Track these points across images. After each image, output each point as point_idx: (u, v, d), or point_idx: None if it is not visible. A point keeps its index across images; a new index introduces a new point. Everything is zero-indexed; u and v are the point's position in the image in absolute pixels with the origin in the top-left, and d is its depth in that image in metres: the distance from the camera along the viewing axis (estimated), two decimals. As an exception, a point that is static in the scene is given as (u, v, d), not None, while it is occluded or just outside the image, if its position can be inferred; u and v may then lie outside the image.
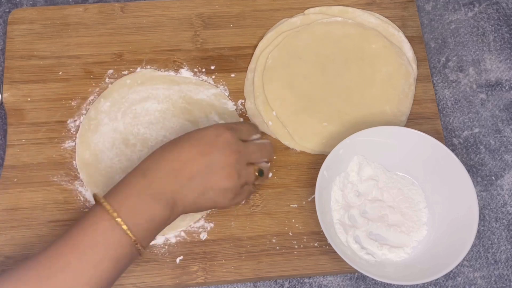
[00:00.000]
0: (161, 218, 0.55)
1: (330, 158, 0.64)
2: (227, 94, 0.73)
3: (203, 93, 0.72)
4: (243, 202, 0.66)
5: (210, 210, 0.67)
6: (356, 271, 0.64)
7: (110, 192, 0.55)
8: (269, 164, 0.65)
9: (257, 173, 0.61)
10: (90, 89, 0.72)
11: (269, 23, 0.77)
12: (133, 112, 0.71)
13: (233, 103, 0.72)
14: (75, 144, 0.69)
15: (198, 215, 0.66)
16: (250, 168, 0.61)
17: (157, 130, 0.70)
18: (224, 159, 0.57)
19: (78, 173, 0.68)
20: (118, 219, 0.52)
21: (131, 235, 0.52)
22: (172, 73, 0.73)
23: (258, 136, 0.64)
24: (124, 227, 0.52)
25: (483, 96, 0.76)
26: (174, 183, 0.55)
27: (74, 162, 0.68)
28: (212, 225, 0.66)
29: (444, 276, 0.66)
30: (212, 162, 0.57)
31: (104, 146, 0.69)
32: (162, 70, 0.74)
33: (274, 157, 0.69)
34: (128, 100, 0.71)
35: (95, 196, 0.55)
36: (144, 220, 0.53)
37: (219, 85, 0.73)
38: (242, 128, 0.62)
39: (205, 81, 0.73)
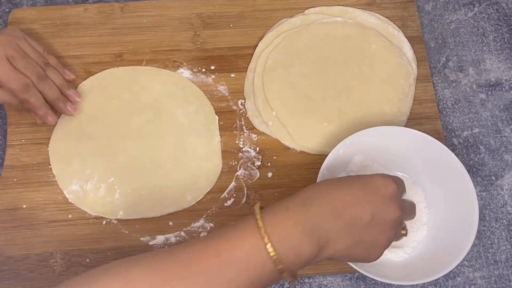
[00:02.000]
0: (308, 255, 0.49)
1: (330, 158, 0.64)
2: (227, 94, 0.73)
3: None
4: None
5: (210, 211, 0.67)
6: (356, 271, 0.64)
7: (267, 211, 0.50)
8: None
9: (403, 232, 0.59)
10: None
11: (269, 23, 0.77)
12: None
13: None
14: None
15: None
16: (399, 227, 0.56)
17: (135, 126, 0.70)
18: (389, 214, 0.52)
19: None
20: (268, 245, 0.47)
21: (277, 262, 0.48)
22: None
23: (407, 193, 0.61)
24: (272, 253, 0.47)
25: (483, 96, 0.76)
26: (332, 223, 0.50)
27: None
28: (212, 225, 0.66)
29: (444, 276, 0.66)
30: (376, 212, 0.51)
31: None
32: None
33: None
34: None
35: (256, 208, 0.51)
36: (293, 251, 0.48)
37: (219, 85, 0.73)
38: (400, 183, 0.58)
39: (205, 81, 0.74)
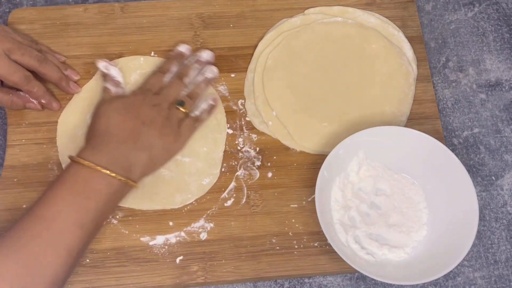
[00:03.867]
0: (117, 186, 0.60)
1: (330, 158, 0.64)
2: (227, 94, 0.73)
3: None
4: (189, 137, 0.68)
5: (210, 211, 0.67)
6: (356, 271, 0.64)
7: (82, 156, 0.60)
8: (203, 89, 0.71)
9: (177, 106, 0.66)
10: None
11: (269, 23, 0.77)
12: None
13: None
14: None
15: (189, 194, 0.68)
16: (173, 107, 0.66)
17: None
18: (150, 115, 0.63)
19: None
20: (99, 167, 0.58)
21: (115, 175, 0.59)
22: None
23: (165, 77, 0.69)
24: (106, 171, 0.58)
25: (483, 96, 0.76)
26: (125, 151, 0.61)
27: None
28: (212, 225, 0.66)
29: (444, 276, 0.66)
30: (142, 121, 0.62)
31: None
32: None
33: (211, 76, 0.71)
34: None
35: (71, 157, 0.60)
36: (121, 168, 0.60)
37: (219, 85, 0.73)
38: (150, 81, 0.69)
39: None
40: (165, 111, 0.65)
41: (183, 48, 0.72)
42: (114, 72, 0.70)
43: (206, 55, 0.72)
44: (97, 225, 0.58)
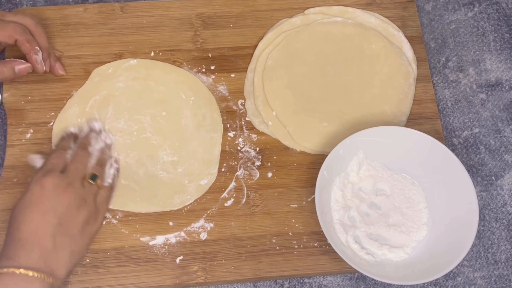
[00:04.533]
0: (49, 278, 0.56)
1: (330, 158, 0.64)
2: (227, 94, 0.73)
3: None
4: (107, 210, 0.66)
5: (210, 211, 0.67)
6: (356, 271, 0.64)
7: None
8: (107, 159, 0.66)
9: (90, 180, 0.62)
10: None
11: (269, 23, 0.77)
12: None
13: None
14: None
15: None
16: (85, 183, 0.62)
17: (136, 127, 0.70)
18: (64, 201, 0.59)
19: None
20: (19, 270, 0.54)
21: (37, 274, 0.55)
22: None
23: (68, 154, 0.64)
24: (27, 272, 0.54)
25: (483, 96, 0.76)
26: (37, 258, 0.56)
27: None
28: (212, 225, 0.66)
29: (444, 276, 0.66)
30: (57, 211, 0.58)
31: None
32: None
33: (109, 142, 0.69)
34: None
35: None
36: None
37: (219, 85, 0.73)
38: (52, 161, 0.62)
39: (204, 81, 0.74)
40: (77, 192, 0.60)
41: (73, 129, 0.68)
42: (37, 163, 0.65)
43: (97, 124, 0.69)
44: None
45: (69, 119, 0.70)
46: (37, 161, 0.65)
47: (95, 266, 0.64)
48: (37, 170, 0.62)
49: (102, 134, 0.68)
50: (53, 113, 0.70)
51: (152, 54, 0.74)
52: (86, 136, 0.67)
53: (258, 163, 0.70)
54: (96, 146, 0.66)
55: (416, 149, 0.66)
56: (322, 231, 0.61)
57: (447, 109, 0.75)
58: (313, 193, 0.64)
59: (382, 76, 0.74)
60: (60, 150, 0.64)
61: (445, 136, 0.73)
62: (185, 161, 0.69)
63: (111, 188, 0.65)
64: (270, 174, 0.69)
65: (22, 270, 0.54)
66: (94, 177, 0.63)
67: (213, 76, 0.74)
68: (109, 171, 0.66)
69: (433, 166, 0.66)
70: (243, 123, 0.72)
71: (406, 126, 0.72)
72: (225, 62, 0.75)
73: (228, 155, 0.70)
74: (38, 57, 0.67)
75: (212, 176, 0.68)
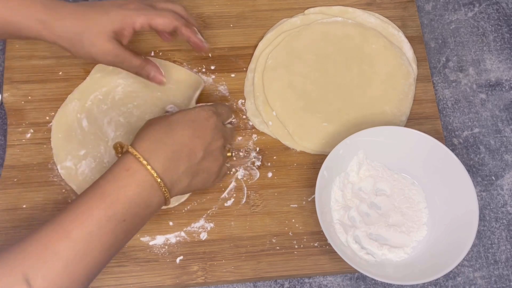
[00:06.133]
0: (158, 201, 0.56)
1: (330, 158, 0.64)
2: (227, 94, 0.73)
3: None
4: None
5: (210, 211, 0.67)
6: (356, 271, 0.64)
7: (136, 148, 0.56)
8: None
9: (229, 154, 0.65)
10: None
11: (269, 23, 0.77)
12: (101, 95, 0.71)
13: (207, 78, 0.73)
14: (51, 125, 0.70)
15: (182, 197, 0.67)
16: (225, 151, 0.64)
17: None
18: (215, 143, 0.60)
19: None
20: (149, 167, 0.54)
21: (160, 181, 0.54)
22: None
23: (230, 119, 0.67)
24: (154, 173, 0.54)
25: (483, 96, 0.76)
26: (174, 171, 0.56)
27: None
28: (212, 225, 0.66)
29: (444, 276, 0.66)
30: (206, 145, 0.59)
31: (74, 125, 0.70)
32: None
33: (257, 150, 0.71)
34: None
35: (121, 145, 0.59)
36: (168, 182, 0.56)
37: (219, 85, 0.73)
38: (223, 112, 0.64)
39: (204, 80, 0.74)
40: (222, 149, 0.62)
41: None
42: None
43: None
44: (125, 236, 0.54)
45: (68, 114, 0.70)
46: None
47: (95, 266, 0.64)
48: (202, 106, 0.62)
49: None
50: (53, 113, 0.71)
51: (152, 54, 0.75)
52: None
53: (258, 163, 0.70)
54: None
55: (416, 149, 0.66)
56: (322, 231, 0.61)
57: (447, 109, 0.75)
58: (313, 193, 0.64)
59: (382, 76, 0.74)
60: (230, 109, 0.66)
61: (445, 136, 0.73)
62: None
63: (229, 169, 0.69)
64: (270, 174, 0.69)
65: (149, 168, 0.54)
66: (232, 151, 0.68)
67: (213, 76, 0.74)
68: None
69: (433, 166, 0.66)
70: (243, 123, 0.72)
71: (406, 126, 0.72)
72: (225, 62, 0.75)
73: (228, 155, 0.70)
74: (200, 36, 0.67)
75: None
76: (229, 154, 0.65)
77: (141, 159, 0.54)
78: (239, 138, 0.71)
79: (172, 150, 0.56)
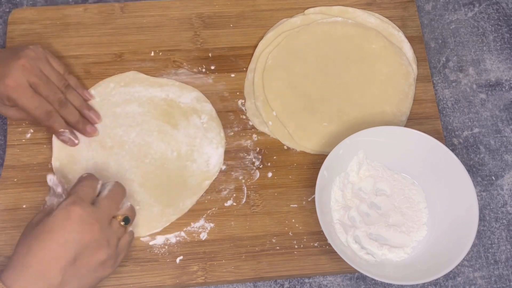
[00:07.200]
0: None
1: (330, 158, 0.64)
2: (227, 94, 0.73)
3: (186, 96, 0.72)
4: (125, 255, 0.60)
5: (210, 211, 0.67)
6: (356, 271, 0.64)
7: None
8: (129, 203, 0.60)
9: (123, 223, 0.57)
10: (89, 89, 0.72)
11: (269, 23, 0.77)
12: (113, 114, 0.70)
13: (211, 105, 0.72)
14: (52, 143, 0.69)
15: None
16: (114, 224, 0.57)
17: (135, 133, 0.70)
18: (87, 237, 0.53)
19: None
20: None
21: None
22: (155, 78, 0.73)
23: (99, 185, 0.59)
24: None
25: (483, 96, 0.76)
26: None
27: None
28: (212, 225, 0.66)
29: (444, 276, 0.66)
30: (76, 247, 0.53)
31: (80, 147, 0.68)
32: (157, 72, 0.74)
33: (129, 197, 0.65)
34: (109, 102, 0.71)
35: None
36: None
37: (219, 85, 0.73)
38: (84, 188, 0.57)
39: (202, 78, 0.74)
40: (104, 231, 0.54)
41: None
42: (59, 189, 0.59)
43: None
44: None
45: None
46: (55, 183, 0.59)
47: (95, 266, 0.64)
48: (59, 194, 0.58)
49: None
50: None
51: (152, 54, 0.75)
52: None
53: (258, 163, 0.70)
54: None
55: (416, 149, 0.66)
56: (322, 231, 0.61)
57: (447, 109, 0.75)
58: (313, 193, 0.64)
59: (382, 76, 0.74)
60: (94, 178, 0.59)
61: (445, 136, 0.73)
62: (183, 162, 0.69)
63: (133, 234, 0.61)
64: (270, 174, 0.69)
65: None
66: (127, 220, 0.58)
67: (213, 76, 0.74)
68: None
69: (433, 166, 0.66)
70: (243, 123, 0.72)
71: (406, 126, 0.72)
72: (225, 62, 0.75)
73: (228, 155, 0.70)
74: (65, 137, 0.67)
75: (212, 175, 0.68)
76: (122, 223, 0.57)
77: None
78: (240, 139, 0.71)
79: (39, 270, 0.51)
